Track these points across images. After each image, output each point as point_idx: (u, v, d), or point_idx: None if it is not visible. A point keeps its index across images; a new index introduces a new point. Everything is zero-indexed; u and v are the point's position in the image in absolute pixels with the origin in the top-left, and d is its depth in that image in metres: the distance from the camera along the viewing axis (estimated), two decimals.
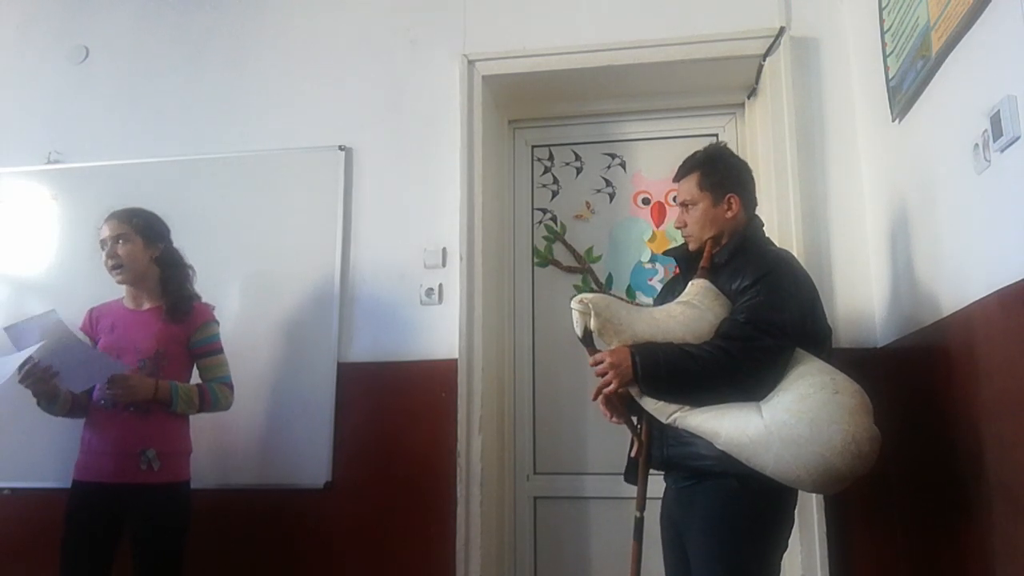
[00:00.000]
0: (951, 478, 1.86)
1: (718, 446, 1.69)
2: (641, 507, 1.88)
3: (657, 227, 2.90)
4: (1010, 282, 1.50)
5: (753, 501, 1.70)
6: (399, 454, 2.59)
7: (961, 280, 1.77)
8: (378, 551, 2.55)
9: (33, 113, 3.13)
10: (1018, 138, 1.47)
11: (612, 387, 1.76)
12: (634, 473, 1.91)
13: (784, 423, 1.62)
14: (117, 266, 2.25)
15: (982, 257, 1.66)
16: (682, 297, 1.84)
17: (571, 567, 2.74)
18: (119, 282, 2.29)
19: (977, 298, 1.66)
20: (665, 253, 2.20)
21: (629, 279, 2.90)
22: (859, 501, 2.32)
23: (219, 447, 2.62)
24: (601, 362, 1.77)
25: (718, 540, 1.70)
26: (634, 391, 1.78)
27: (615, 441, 2.76)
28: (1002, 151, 1.53)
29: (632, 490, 1.92)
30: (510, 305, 2.95)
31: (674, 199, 2.06)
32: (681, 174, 1.99)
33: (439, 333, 2.65)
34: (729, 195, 1.92)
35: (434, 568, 2.50)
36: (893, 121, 2.18)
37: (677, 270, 2.11)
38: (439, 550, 2.50)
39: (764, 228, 1.99)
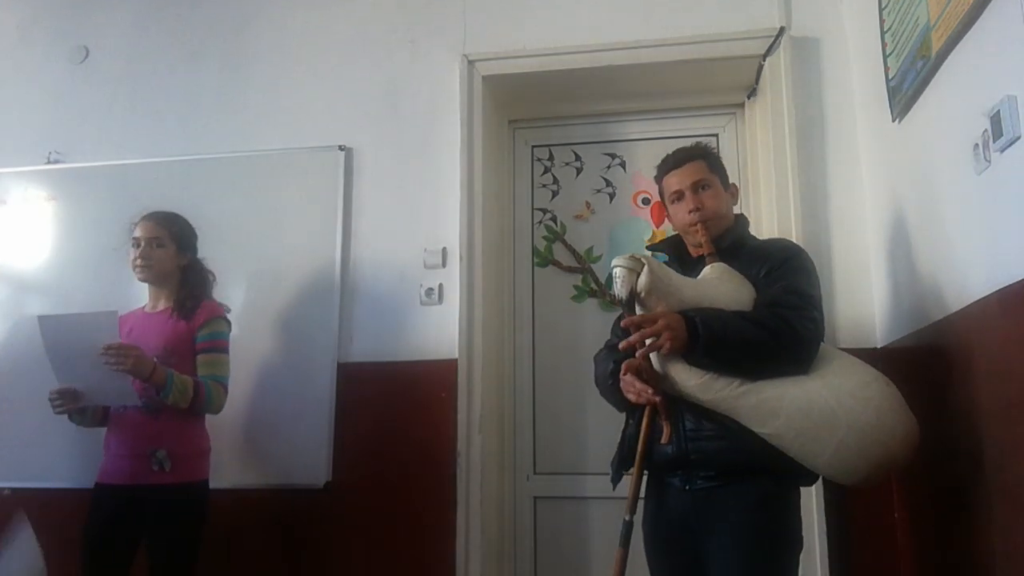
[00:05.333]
0: (951, 478, 1.86)
1: (767, 430, 1.59)
2: (632, 509, 1.74)
3: (657, 227, 2.90)
4: (1010, 282, 1.50)
5: (787, 502, 1.66)
6: (399, 454, 2.59)
7: (961, 280, 1.77)
8: (378, 551, 2.55)
9: (33, 113, 3.13)
10: (1018, 138, 1.47)
11: (667, 348, 1.57)
12: (622, 471, 1.80)
13: (851, 409, 1.56)
14: (146, 266, 2.30)
15: (982, 257, 1.66)
16: (707, 276, 1.75)
17: (571, 567, 2.73)
18: (140, 279, 2.33)
19: (977, 298, 1.66)
20: (653, 247, 2.04)
21: None
22: (859, 502, 2.32)
23: (219, 447, 2.60)
24: (652, 322, 1.58)
25: (758, 548, 1.60)
26: (675, 365, 1.63)
27: (615, 441, 2.76)
28: (1002, 151, 1.53)
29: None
30: (510, 305, 2.95)
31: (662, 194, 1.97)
32: (682, 160, 1.89)
33: (439, 333, 2.64)
34: (733, 184, 1.94)
35: (434, 568, 2.50)
36: (893, 121, 2.18)
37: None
38: (439, 550, 2.50)
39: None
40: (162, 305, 2.34)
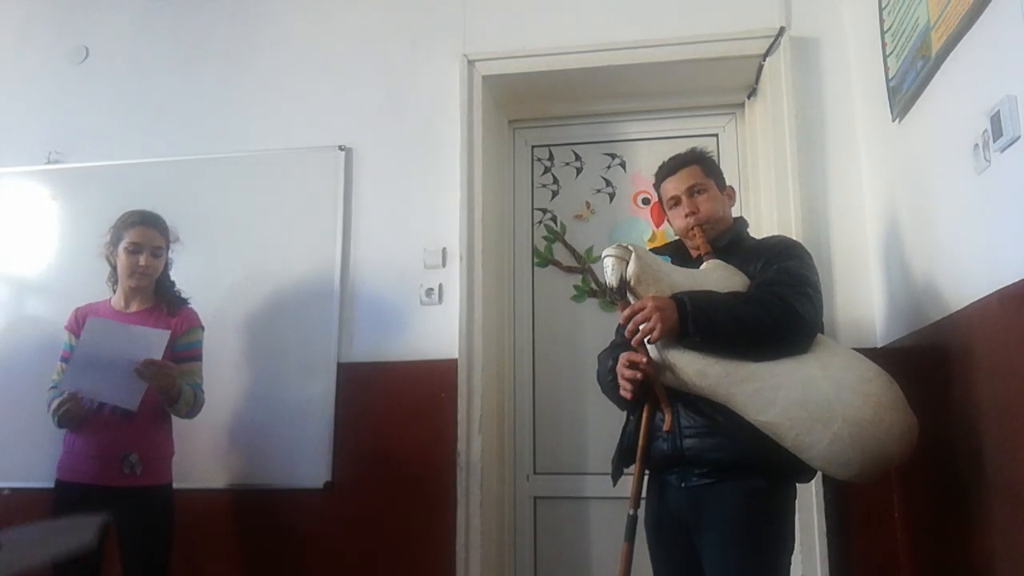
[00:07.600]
0: (951, 478, 1.86)
1: (762, 419, 1.58)
2: (636, 503, 1.75)
3: (657, 227, 2.90)
4: (1010, 282, 1.50)
5: (780, 500, 1.66)
6: (399, 454, 2.59)
7: (961, 280, 1.77)
8: (378, 551, 2.55)
9: (33, 113, 3.13)
10: (1018, 138, 1.47)
11: (657, 332, 1.57)
12: (622, 468, 1.82)
13: (850, 403, 1.55)
14: (148, 275, 2.30)
15: (982, 257, 1.66)
16: (700, 269, 1.80)
17: (571, 567, 2.73)
18: (134, 286, 2.30)
19: (977, 298, 1.66)
20: (656, 251, 2.05)
21: None
22: (859, 501, 2.32)
23: (219, 447, 2.62)
24: (641, 308, 1.60)
25: (750, 545, 1.62)
26: (672, 352, 1.63)
27: (616, 440, 2.76)
28: (1002, 151, 1.53)
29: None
30: (510, 305, 2.95)
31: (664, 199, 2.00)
32: (677, 166, 1.94)
33: (439, 333, 2.64)
34: (729, 186, 1.97)
35: (434, 568, 2.50)
36: (893, 121, 2.18)
37: None
38: (439, 550, 2.50)
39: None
40: (136, 306, 2.33)
